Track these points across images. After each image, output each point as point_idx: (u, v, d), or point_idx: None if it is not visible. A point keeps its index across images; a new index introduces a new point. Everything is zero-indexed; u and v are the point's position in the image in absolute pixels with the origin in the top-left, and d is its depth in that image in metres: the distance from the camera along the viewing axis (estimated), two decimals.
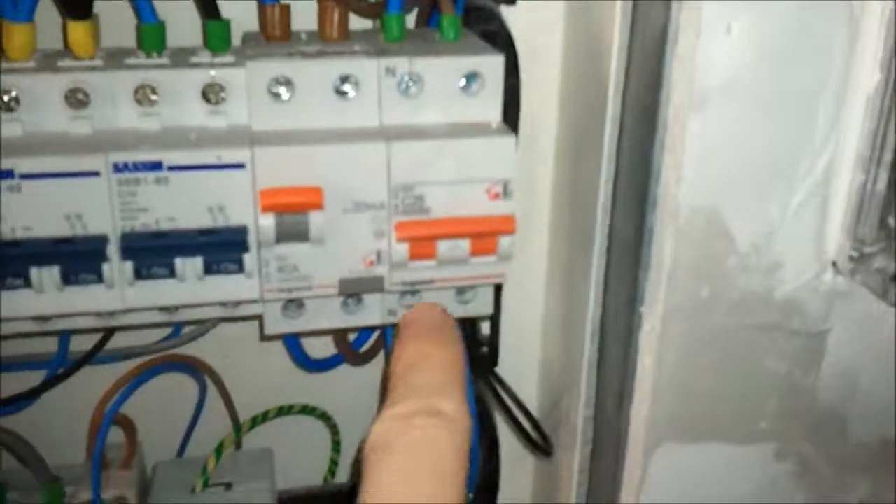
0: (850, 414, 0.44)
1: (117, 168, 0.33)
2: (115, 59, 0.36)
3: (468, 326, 0.46)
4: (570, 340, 0.49)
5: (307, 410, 0.51)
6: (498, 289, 0.49)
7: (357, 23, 0.41)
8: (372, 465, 0.28)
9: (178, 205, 0.34)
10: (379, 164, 0.35)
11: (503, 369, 0.49)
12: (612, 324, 0.45)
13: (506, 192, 0.36)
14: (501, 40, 0.42)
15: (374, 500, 0.27)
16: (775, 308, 0.41)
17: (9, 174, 0.32)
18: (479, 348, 0.50)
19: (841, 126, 0.39)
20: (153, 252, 0.34)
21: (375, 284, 0.37)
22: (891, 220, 0.39)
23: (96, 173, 0.33)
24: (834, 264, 0.41)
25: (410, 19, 0.43)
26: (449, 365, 0.31)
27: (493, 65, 0.37)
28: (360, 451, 0.36)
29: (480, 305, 0.40)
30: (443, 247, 0.36)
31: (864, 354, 0.43)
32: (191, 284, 0.35)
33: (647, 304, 0.41)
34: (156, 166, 0.33)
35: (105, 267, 0.33)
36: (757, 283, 0.41)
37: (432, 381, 0.30)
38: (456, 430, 0.28)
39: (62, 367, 0.43)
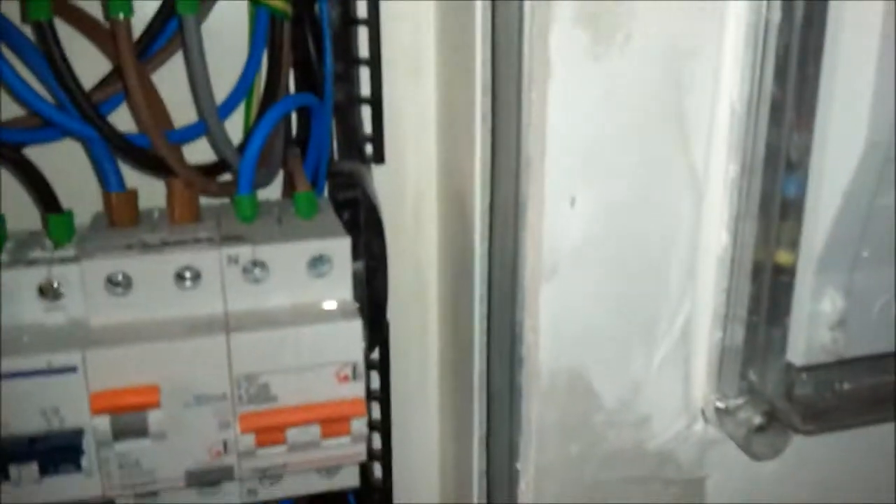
0: None
1: None
2: None
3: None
4: (461, 489, 0.48)
5: None
6: (386, 435, 0.49)
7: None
8: None
9: (10, 410, 0.33)
10: (219, 357, 0.34)
11: None
12: (496, 477, 0.44)
13: (354, 375, 0.36)
14: (365, 206, 0.42)
15: None
16: (648, 460, 0.41)
17: None
18: (372, 494, 0.49)
19: (697, 284, 0.39)
20: None
21: (224, 474, 0.36)
22: (752, 375, 0.39)
23: None
24: (703, 413, 0.41)
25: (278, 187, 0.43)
26: None
27: (339, 247, 0.37)
28: None
29: (346, 478, 0.39)
30: (292, 433, 0.36)
31: (745, 496, 0.43)
32: (28, 487, 0.33)
33: (521, 461, 0.40)
34: None
35: None
36: (627, 436, 0.40)
37: None
38: None
39: None
